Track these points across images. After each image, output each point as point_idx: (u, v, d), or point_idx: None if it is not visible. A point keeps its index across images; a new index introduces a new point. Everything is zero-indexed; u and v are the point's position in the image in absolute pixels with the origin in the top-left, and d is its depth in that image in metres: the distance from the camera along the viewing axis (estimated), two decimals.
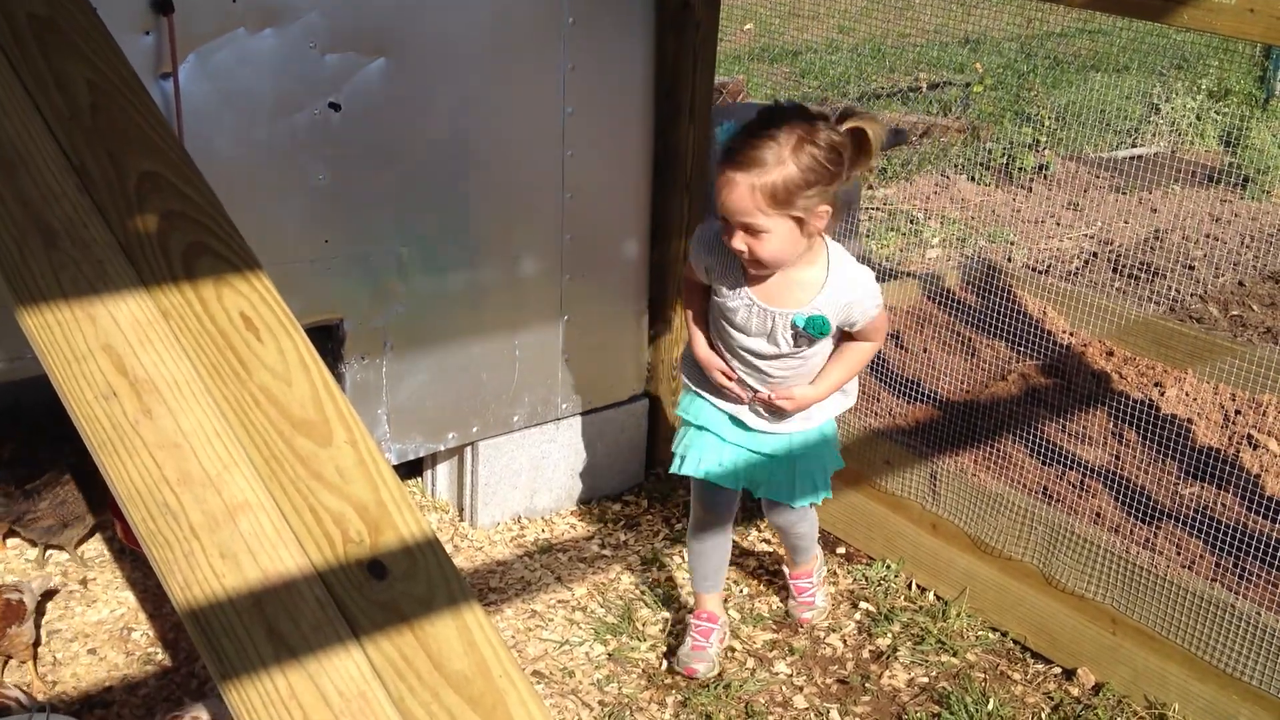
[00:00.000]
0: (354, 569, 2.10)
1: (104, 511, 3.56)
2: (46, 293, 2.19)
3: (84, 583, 3.45)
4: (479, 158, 3.47)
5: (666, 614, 3.50)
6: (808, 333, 2.89)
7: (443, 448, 3.73)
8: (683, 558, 3.77)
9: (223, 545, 2.04)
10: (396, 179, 3.33)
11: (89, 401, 2.10)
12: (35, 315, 2.17)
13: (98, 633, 3.27)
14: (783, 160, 2.65)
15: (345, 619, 2.04)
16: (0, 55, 2.38)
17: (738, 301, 2.91)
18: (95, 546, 3.60)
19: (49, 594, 3.36)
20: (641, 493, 4.16)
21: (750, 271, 2.87)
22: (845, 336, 3.01)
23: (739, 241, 2.76)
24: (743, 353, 3.00)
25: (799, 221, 2.73)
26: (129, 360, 2.18)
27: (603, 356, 3.98)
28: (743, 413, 3.09)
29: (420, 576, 2.13)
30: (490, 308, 3.66)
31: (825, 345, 3.00)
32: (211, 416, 2.18)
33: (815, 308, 2.87)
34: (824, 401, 3.06)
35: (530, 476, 3.95)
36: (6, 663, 3.09)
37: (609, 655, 3.32)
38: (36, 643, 3.14)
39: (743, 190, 2.68)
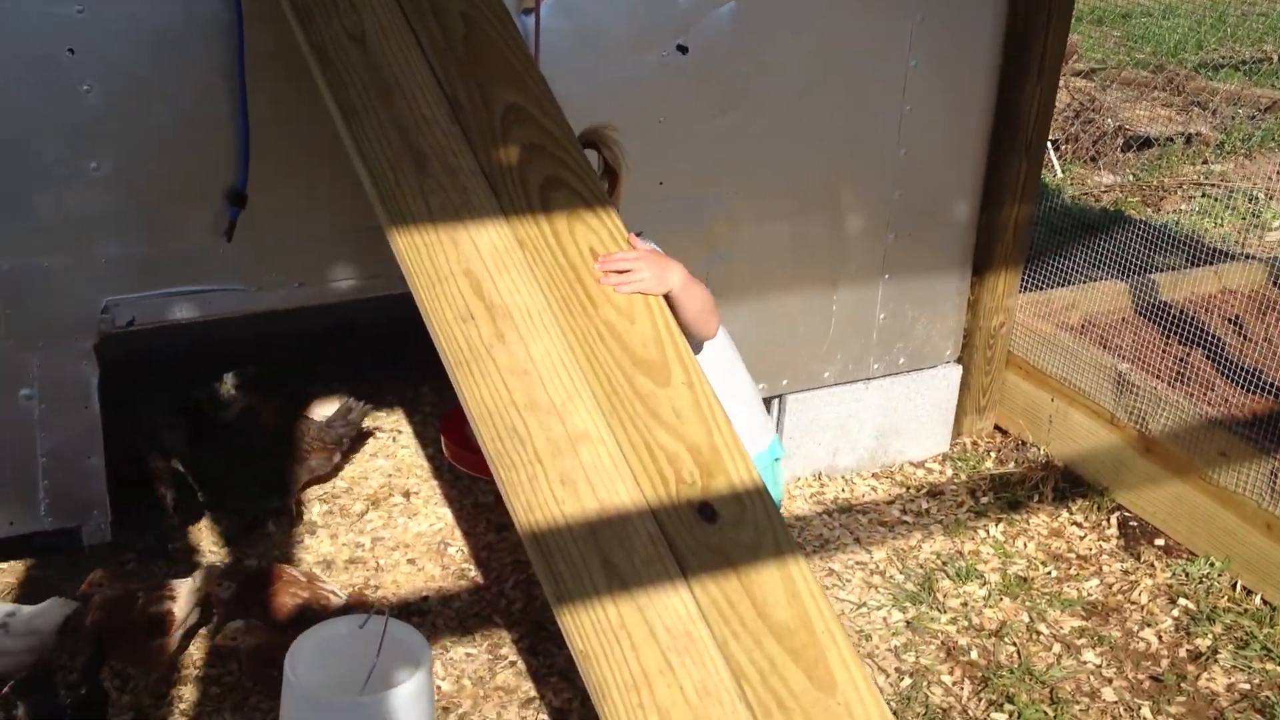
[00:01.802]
0: (685, 509, 2.12)
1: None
2: (415, 215, 2.29)
3: (406, 495, 3.63)
4: (817, 108, 3.42)
5: (969, 587, 3.40)
6: None
7: None
8: (987, 532, 3.66)
9: (564, 472, 2.09)
10: (733, 125, 3.32)
11: (449, 322, 2.19)
12: (404, 236, 2.27)
13: (417, 544, 3.44)
14: None
15: (675, 557, 2.07)
16: None
17: None
18: (418, 462, 3.78)
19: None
20: (946, 461, 4.06)
21: None
22: None
23: None
24: None
25: None
26: (486, 285, 2.25)
27: (920, 319, 3.88)
28: None
29: (748, 523, 2.13)
30: (812, 261, 3.62)
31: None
32: (559, 346, 2.24)
33: None
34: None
35: (835, 434, 3.91)
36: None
37: (907, 623, 3.26)
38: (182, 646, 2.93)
39: None
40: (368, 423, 3.89)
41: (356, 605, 2.89)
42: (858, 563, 3.51)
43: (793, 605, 2.04)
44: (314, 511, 3.54)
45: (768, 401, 3.83)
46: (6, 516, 2.88)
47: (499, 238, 2.32)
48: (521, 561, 3.39)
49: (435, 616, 3.19)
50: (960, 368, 4.04)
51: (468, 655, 3.06)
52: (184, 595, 2.83)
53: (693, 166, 3.32)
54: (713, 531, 2.10)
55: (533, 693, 2.94)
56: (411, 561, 3.39)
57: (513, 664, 3.03)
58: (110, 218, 2.73)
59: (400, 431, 3.94)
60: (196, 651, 2.99)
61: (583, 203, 2.41)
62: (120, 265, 2.78)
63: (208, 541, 3.38)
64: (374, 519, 3.54)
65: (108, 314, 2.79)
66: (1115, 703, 3.02)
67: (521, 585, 3.30)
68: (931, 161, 3.66)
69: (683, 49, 3.15)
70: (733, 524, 2.11)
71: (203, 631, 3.04)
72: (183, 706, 2.83)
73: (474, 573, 3.36)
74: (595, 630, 1.95)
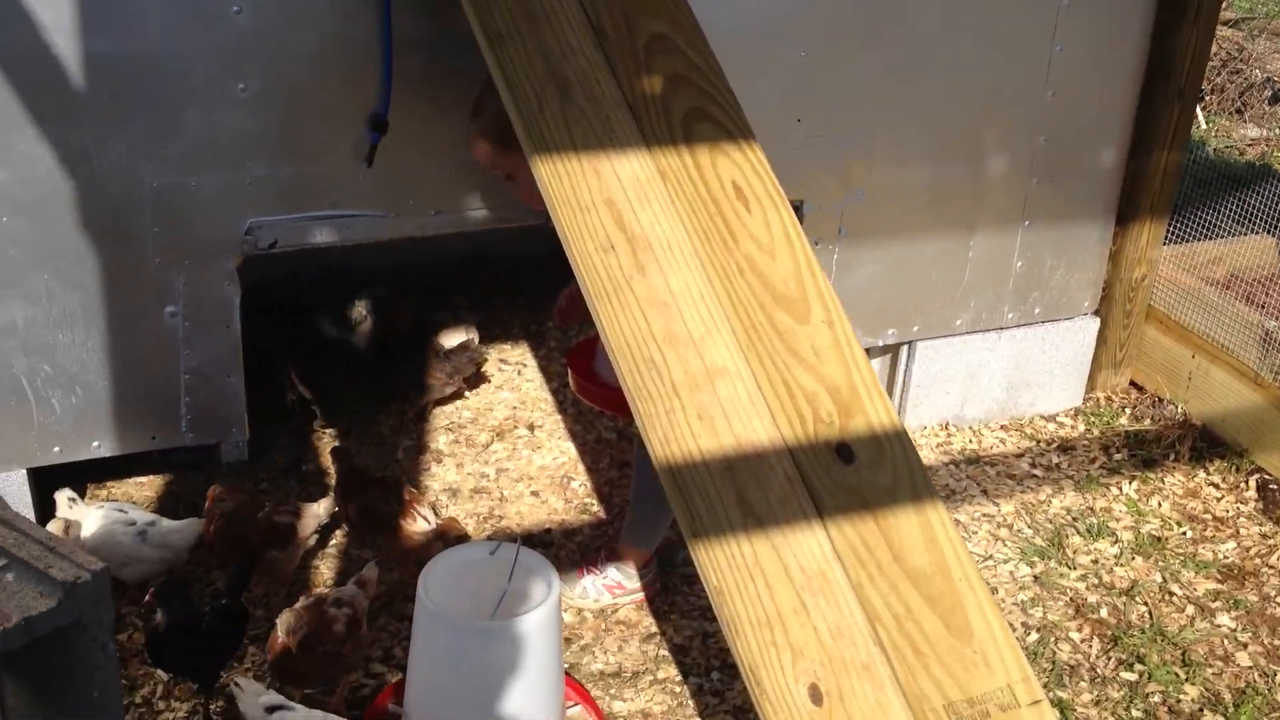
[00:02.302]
0: (822, 449, 2.09)
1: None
2: (559, 143, 2.28)
3: (531, 428, 3.65)
4: (963, 46, 3.32)
5: (1100, 545, 3.32)
6: None
7: (880, 343, 3.67)
8: (1120, 490, 3.56)
9: (701, 407, 2.07)
10: (877, 62, 3.24)
11: (590, 252, 2.17)
12: (547, 164, 2.26)
13: (541, 477, 3.46)
14: (496, 97, 2.46)
15: (810, 497, 2.04)
16: None
17: None
18: (543, 396, 3.80)
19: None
20: (1079, 416, 3.95)
21: None
22: None
23: (514, 194, 2.73)
24: None
25: None
26: (628, 216, 2.23)
27: (1058, 268, 3.77)
28: None
29: (886, 466, 2.09)
30: (950, 204, 3.53)
31: None
32: (698, 280, 2.21)
33: None
34: None
35: (964, 384, 3.83)
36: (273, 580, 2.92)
37: (1035, 578, 3.19)
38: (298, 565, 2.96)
39: (473, 140, 2.69)
40: (494, 355, 3.93)
41: (444, 533, 2.91)
42: (984, 515, 3.45)
43: (930, 551, 2.01)
44: (440, 441, 3.58)
45: (895, 348, 3.77)
46: (149, 431, 2.96)
47: (641, 168, 2.29)
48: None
49: (558, 549, 3.21)
50: (1098, 320, 3.93)
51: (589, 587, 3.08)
52: (308, 514, 2.90)
53: (833, 103, 3.25)
54: (850, 473, 2.07)
55: (654, 629, 2.95)
56: (535, 494, 3.41)
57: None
58: (256, 139, 2.77)
59: (525, 365, 3.96)
60: (327, 571, 3.05)
61: (726, 135, 2.37)
62: (265, 187, 2.81)
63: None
64: (499, 450, 3.57)
65: (251, 235, 2.83)
66: (1250, 668, 2.93)
67: None
68: (1080, 105, 3.53)
69: None
70: (870, 466, 2.08)
71: (332, 552, 3.11)
72: None
73: (596, 507, 3.38)
74: (730, 566, 1.93)
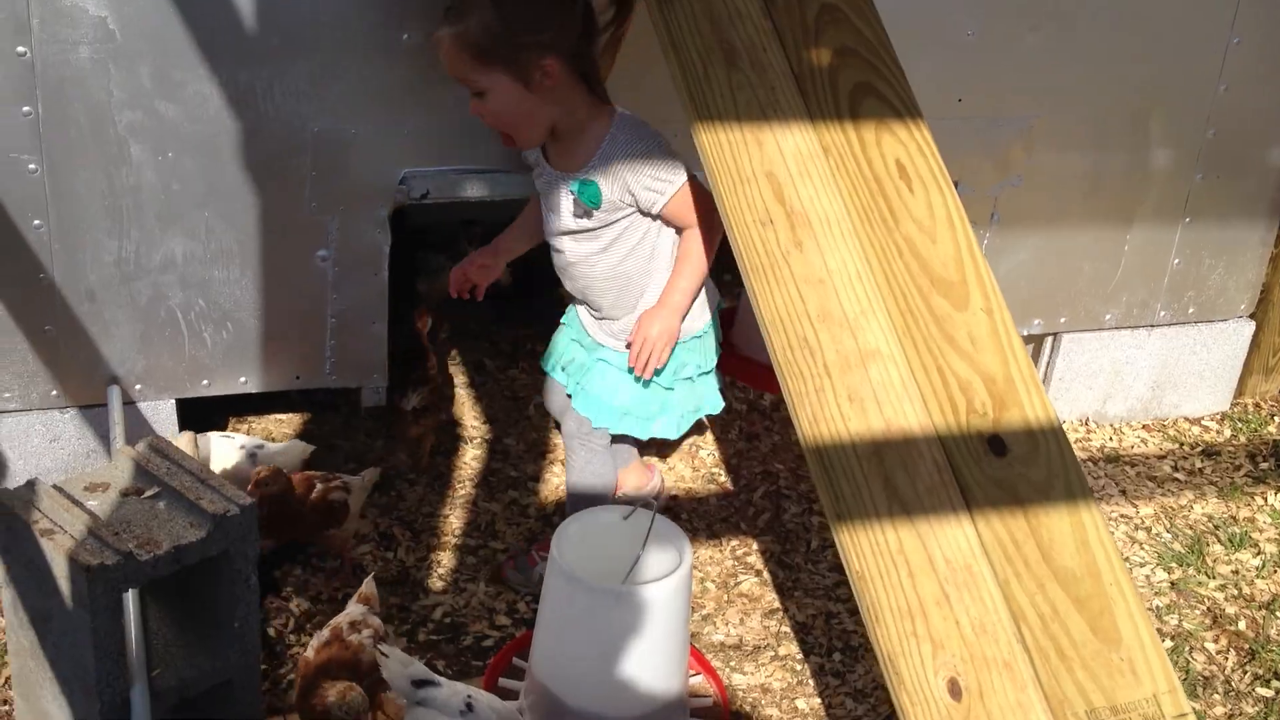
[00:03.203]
0: (974, 440, 2.04)
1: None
2: (722, 111, 2.25)
3: None
4: (1135, 32, 3.20)
5: (1241, 555, 3.21)
6: (583, 201, 2.56)
7: (1025, 332, 3.58)
8: (1265, 500, 3.44)
9: (851, 388, 2.04)
10: (1042, 43, 3.14)
11: (748, 225, 2.15)
12: (709, 132, 2.23)
13: (669, 443, 3.45)
14: (481, 6, 2.40)
15: (959, 488, 2.00)
16: None
17: (539, 170, 2.67)
18: None
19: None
20: (1225, 420, 3.82)
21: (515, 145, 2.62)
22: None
23: (474, 108, 2.54)
24: (555, 247, 2.71)
25: (520, 78, 2.44)
26: (788, 190, 2.20)
27: (1216, 268, 3.63)
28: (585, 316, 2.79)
29: (1040, 462, 2.04)
30: (1108, 195, 3.42)
31: (626, 232, 2.60)
32: (855, 259, 2.17)
33: (587, 172, 2.55)
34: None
35: (1108, 380, 3.72)
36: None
37: (1172, 584, 3.10)
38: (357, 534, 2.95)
39: (447, 47, 2.46)
40: None
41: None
42: (1122, 516, 3.36)
43: (1081, 552, 1.95)
44: None
45: (1039, 339, 3.67)
46: (294, 370, 3.01)
47: (804, 142, 2.25)
48: (770, 473, 3.38)
49: (683, 517, 3.20)
50: (1253, 324, 3.78)
51: (712, 559, 3.07)
52: (357, 489, 2.84)
53: (995, 85, 3.16)
54: (1001, 466, 2.02)
55: (776, 604, 2.93)
56: (663, 458, 3.41)
57: (758, 574, 3.02)
58: (415, 89, 2.78)
59: None
60: (457, 521, 3.09)
61: (893, 113, 2.32)
62: (420, 138, 2.83)
63: (470, 416, 3.48)
64: None
65: (404, 185, 2.85)
66: None
67: (770, 497, 3.29)
68: (1254, 100, 3.39)
69: None
70: (1023, 460, 2.02)
71: (460, 501, 3.15)
72: (440, 571, 2.94)
73: (723, 478, 3.36)
74: (873, 552, 1.90)
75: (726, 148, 2.21)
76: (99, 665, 2.01)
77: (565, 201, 2.59)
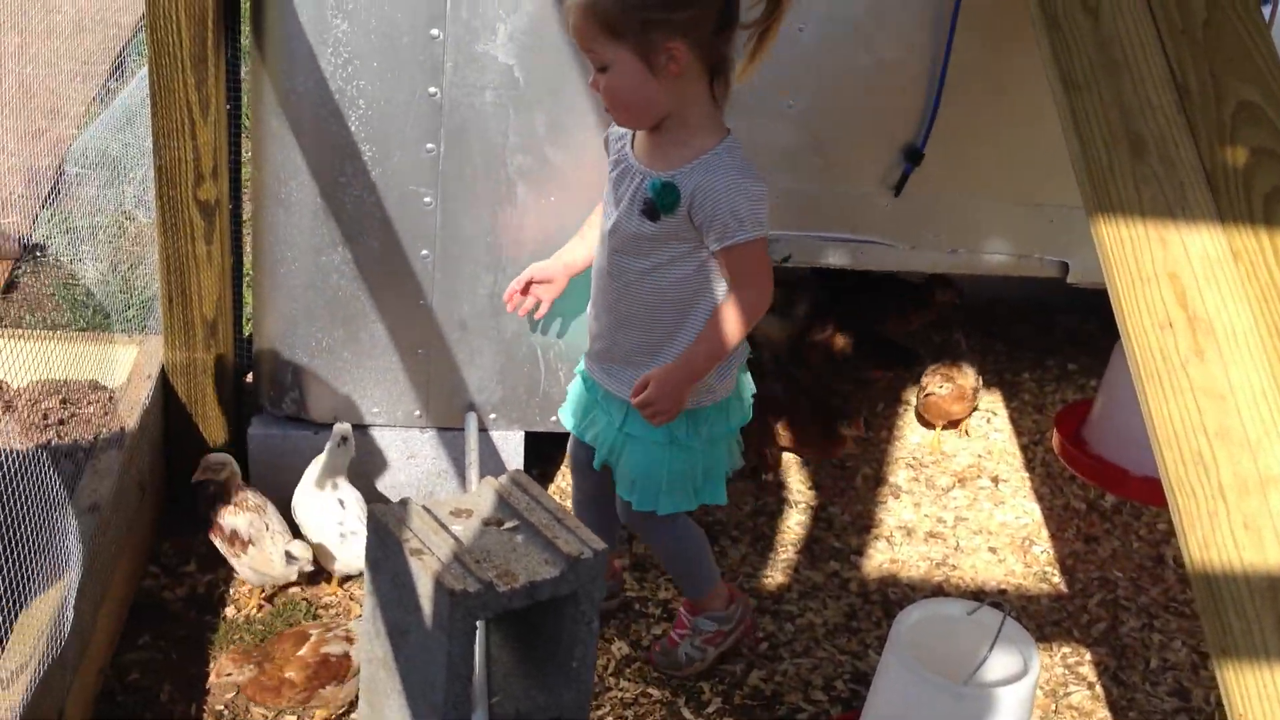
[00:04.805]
0: None
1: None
2: (1125, 204, 2.14)
3: (995, 480, 3.52)
4: None
5: None
6: (653, 201, 2.34)
7: None
8: None
9: (1248, 515, 1.89)
10: None
11: (1144, 328, 2.03)
12: (1109, 224, 2.13)
13: (1000, 534, 3.33)
14: None
15: None
16: None
17: (620, 157, 2.46)
18: (1010, 449, 3.65)
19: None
20: None
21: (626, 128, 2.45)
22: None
23: (593, 83, 2.36)
24: (601, 251, 2.52)
25: (646, 58, 2.25)
26: (1191, 294, 2.07)
27: None
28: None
29: None
30: None
31: (678, 260, 2.40)
32: (1262, 376, 2.02)
33: (673, 175, 2.35)
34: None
35: None
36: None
37: None
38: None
39: (576, 14, 2.29)
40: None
41: None
42: None
43: None
44: (900, 476, 3.52)
45: None
46: None
47: (1212, 245, 2.12)
48: (1108, 581, 3.20)
49: (1011, 615, 3.07)
50: None
51: (1042, 664, 2.92)
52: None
53: None
54: None
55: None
56: (992, 550, 3.29)
57: (1090, 686, 2.86)
58: (791, 153, 2.80)
59: (995, 414, 3.82)
60: (775, 586, 3.07)
61: None
62: (789, 201, 2.84)
63: (796, 480, 3.46)
64: (959, 497, 3.46)
65: (770, 248, 2.86)
66: None
67: (1107, 605, 3.11)
68: None
69: None
70: None
71: (781, 565, 3.13)
72: (759, 634, 2.91)
73: (1057, 578, 3.21)
74: (1259, 695, 1.75)
75: (1128, 243, 2.11)
76: (449, 686, 2.09)
77: (634, 197, 2.40)
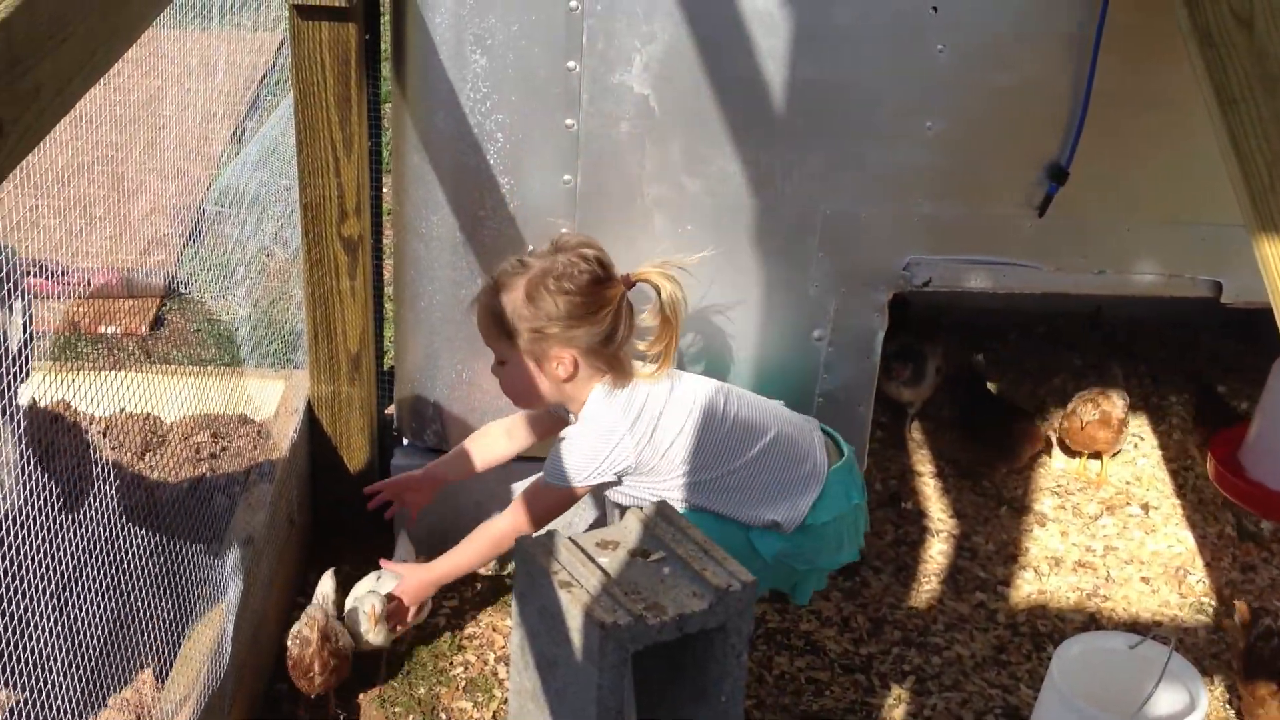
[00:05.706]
0: None
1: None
2: None
3: (1145, 508, 3.40)
4: None
5: None
6: None
7: None
8: None
9: None
10: None
11: None
12: (1271, 243, 2.06)
13: (1153, 563, 3.21)
14: (519, 287, 2.49)
15: None
16: None
17: None
18: (1160, 475, 3.53)
19: None
20: None
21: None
22: None
23: (494, 370, 2.65)
24: None
25: (538, 361, 2.54)
26: None
27: None
28: None
29: None
30: None
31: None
32: None
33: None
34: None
35: None
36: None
37: None
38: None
39: (481, 315, 2.59)
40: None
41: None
42: None
43: None
44: (1045, 504, 3.43)
45: None
46: None
47: None
48: (1267, 611, 3.06)
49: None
50: None
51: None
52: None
53: None
54: None
55: None
56: (1145, 580, 3.18)
57: None
58: (931, 176, 2.76)
59: (1142, 439, 3.70)
60: (920, 618, 3.00)
61: None
62: (929, 225, 2.80)
63: (937, 509, 3.39)
64: (1108, 525, 3.36)
65: (908, 271, 2.82)
66: None
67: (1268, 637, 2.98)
68: None
69: None
70: None
71: (925, 596, 3.06)
72: (904, 668, 2.85)
73: (1214, 608, 3.09)
74: None
75: None
76: (599, 719, 2.07)
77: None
